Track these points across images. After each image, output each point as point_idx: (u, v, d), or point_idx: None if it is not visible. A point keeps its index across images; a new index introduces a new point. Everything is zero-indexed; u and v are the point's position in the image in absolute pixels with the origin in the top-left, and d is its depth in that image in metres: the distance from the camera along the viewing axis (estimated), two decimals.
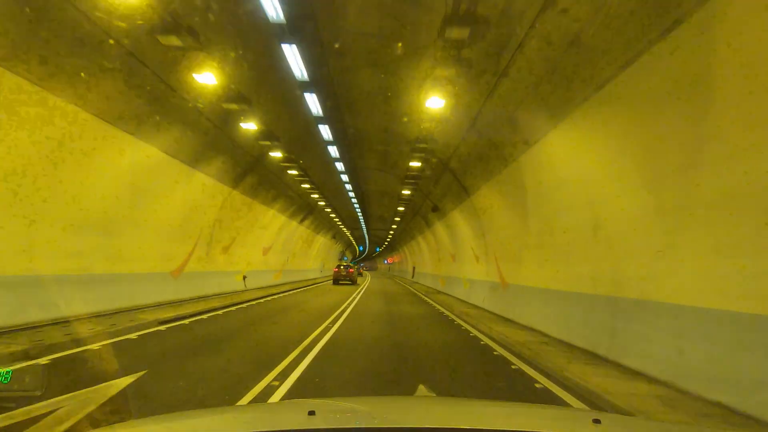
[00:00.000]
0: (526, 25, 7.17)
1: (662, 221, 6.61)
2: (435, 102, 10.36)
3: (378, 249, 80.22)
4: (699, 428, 4.14)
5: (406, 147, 15.56)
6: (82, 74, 8.12)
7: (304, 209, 27.70)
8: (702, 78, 5.43)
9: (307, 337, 9.71)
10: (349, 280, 34.07)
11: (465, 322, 13.53)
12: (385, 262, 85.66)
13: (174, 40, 8.09)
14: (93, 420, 4.31)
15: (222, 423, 1.94)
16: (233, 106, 11.35)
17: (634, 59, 6.27)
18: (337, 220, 37.97)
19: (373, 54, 9.85)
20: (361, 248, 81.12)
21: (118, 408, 4.77)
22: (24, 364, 6.27)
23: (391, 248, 67.32)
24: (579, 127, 8.27)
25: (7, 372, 1.90)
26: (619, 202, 7.64)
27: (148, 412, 4.68)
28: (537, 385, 6.56)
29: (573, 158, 8.94)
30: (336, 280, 34.31)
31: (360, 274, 51.29)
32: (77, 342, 7.76)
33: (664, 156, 6.38)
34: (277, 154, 16.23)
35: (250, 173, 17.07)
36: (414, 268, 44.84)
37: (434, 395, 5.69)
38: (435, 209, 22.41)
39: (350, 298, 20.65)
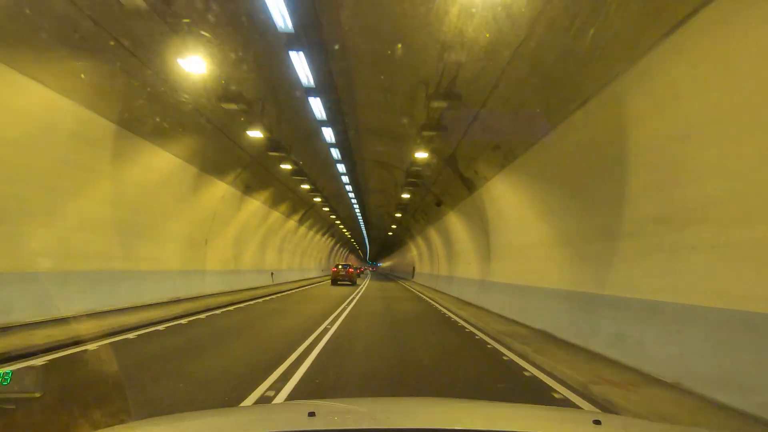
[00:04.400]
0: None
1: None
2: None
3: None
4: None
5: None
6: None
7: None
8: None
9: None
10: (348, 281, 33.71)
11: None
12: None
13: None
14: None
15: (222, 424, 1.92)
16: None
17: None
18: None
19: None
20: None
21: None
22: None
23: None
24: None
25: (7, 373, 1.89)
26: None
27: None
28: None
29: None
30: (334, 281, 33.81)
31: (359, 275, 46.91)
32: None
33: None
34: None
35: None
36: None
37: (435, 396, 5.64)
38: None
39: None
